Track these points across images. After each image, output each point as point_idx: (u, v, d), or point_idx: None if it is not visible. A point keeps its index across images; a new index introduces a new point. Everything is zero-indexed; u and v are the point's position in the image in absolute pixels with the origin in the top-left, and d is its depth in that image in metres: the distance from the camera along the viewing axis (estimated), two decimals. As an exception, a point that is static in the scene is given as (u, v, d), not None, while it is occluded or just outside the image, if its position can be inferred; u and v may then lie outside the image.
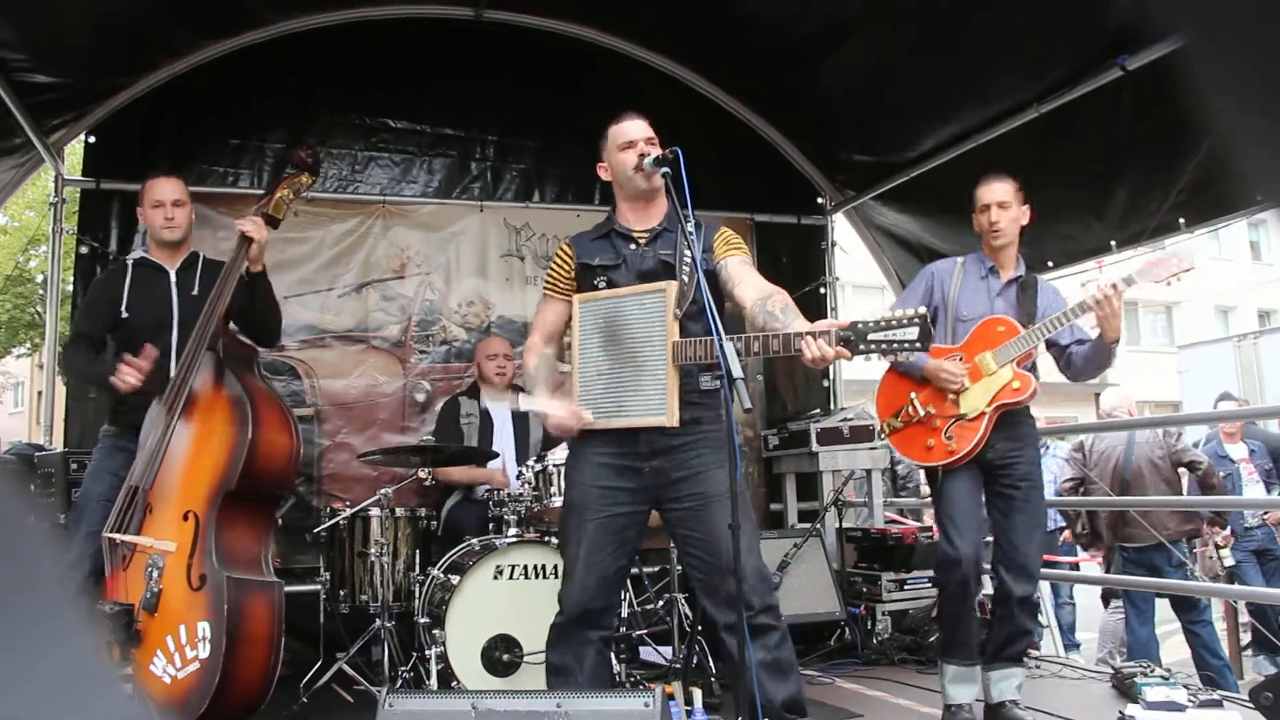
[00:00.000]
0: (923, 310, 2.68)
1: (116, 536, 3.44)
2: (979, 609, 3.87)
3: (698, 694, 2.74)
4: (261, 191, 5.51)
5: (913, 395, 3.78)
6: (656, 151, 3.08)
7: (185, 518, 3.44)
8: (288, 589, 5.17)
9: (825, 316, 6.52)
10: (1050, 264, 5.37)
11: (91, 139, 5.36)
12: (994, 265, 3.82)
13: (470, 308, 5.91)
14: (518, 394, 5.05)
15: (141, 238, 5.26)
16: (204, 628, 3.30)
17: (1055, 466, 7.45)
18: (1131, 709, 3.74)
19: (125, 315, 3.80)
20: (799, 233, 6.63)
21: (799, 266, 6.51)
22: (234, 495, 3.47)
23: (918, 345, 2.63)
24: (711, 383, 3.05)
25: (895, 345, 2.65)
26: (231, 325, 3.85)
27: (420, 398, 5.73)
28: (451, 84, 5.91)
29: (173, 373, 3.62)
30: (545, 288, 3.34)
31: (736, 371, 2.65)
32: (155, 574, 3.36)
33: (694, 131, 6.01)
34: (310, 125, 5.74)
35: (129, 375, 3.54)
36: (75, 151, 5.92)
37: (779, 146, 6.50)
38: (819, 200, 6.68)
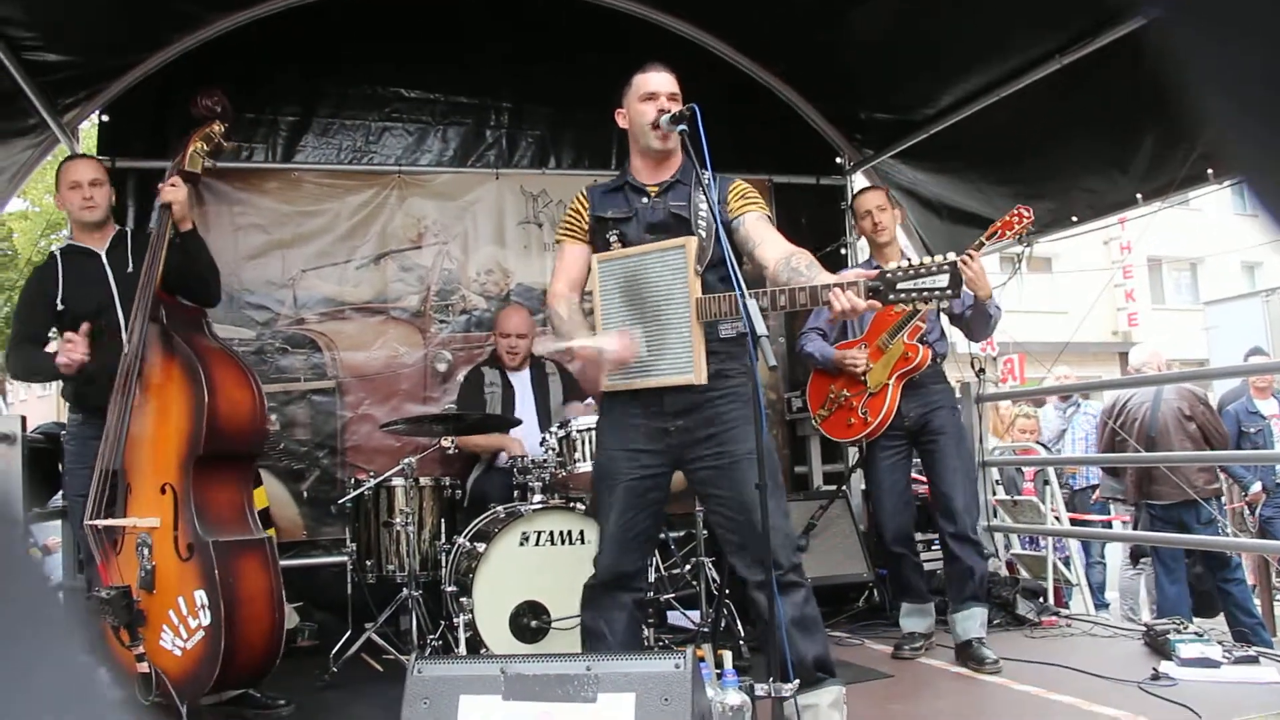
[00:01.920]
0: (952, 257, 2.65)
1: (99, 523, 3.46)
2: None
3: (728, 656, 2.72)
4: (277, 165, 5.58)
5: (831, 386, 4.42)
6: (677, 108, 3.01)
7: (163, 491, 3.47)
8: (315, 561, 5.30)
9: (846, 278, 6.52)
10: (1075, 219, 5.30)
11: (105, 117, 5.33)
12: (878, 264, 4.22)
13: (489, 276, 5.88)
14: (540, 365, 5.06)
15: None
16: (200, 595, 3.33)
17: (1086, 424, 7.40)
18: (1165, 666, 3.72)
19: (61, 308, 3.78)
20: (818, 193, 6.56)
21: (818, 227, 6.44)
22: (204, 459, 3.48)
23: (948, 292, 2.61)
24: (730, 330, 3.01)
25: (925, 294, 2.62)
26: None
27: (441, 367, 5.71)
28: (464, 52, 5.85)
29: (123, 351, 3.62)
30: (560, 232, 3.28)
31: (761, 329, 2.61)
32: (146, 552, 3.39)
33: (711, 94, 5.95)
34: (323, 97, 5.70)
35: (71, 351, 3.57)
36: (91, 133, 5.91)
37: (796, 106, 6.42)
38: (837, 160, 6.60)
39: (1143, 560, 6.46)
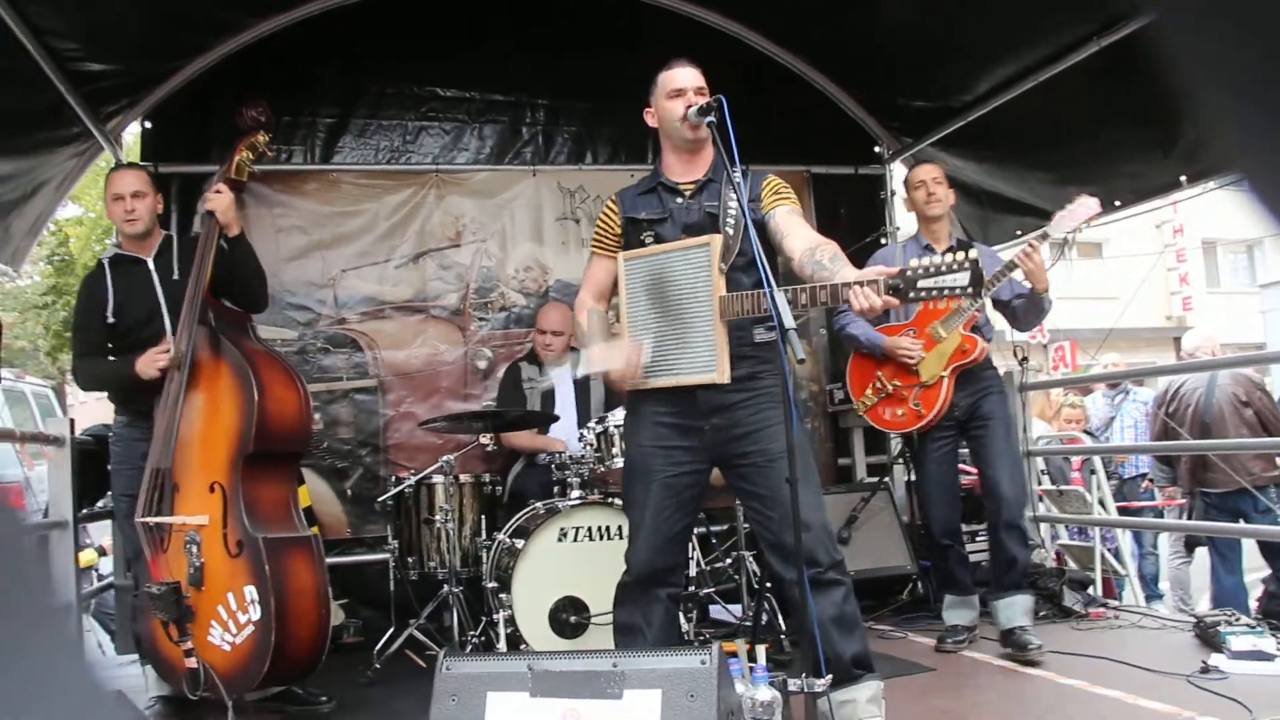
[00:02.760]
0: (974, 254, 2.61)
1: (150, 520, 3.52)
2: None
3: (761, 651, 2.71)
4: (316, 166, 5.64)
5: (878, 373, 4.27)
6: (704, 102, 3.01)
7: (212, 489, 3.53)
8: (359, 558, 5.35)
9: (887, 268, 6.46)
10: (1117, 204, 5.19)
11: (147, 124, 5.41)
12: (929, 243, 4.26)
13: (528, 273, 5.90)
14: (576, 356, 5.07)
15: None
16: (250, 591, 3.38)
17: (1135, 412, 7.27)
18: (1216, 658, 3.64)
19: (112, 320, 3.84)
20: (857, 183, 6.50)
21: (858, 217, 6.38)
22: (253, 458, 3.55)
23: (969, 290, 2.58)
24: (767, 335, 3.00)
25: (945, 291, 2.59)
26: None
27: (482, 365, 5.75)
28: (499, 50, 5.86)
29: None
30: (592, 245, 3.32)
31: (789, 322, 2.59)
32: (195, 549, 3.45)
33: (747, 86, 6.00)
34: (360, 98, 5.75)
35: (159, 359, 3.64)
36: (135, 140, 6.00)
37: (834, 97, 6.37)
38: (876, 149, 6.53)
39: (1196, 548, 6.33)
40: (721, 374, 2.89)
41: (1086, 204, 3.97)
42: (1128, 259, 18.42)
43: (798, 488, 2.68)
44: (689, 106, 3.02)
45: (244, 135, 3.97)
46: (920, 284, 2.62)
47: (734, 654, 2.76)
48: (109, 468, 4.05)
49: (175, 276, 3.85)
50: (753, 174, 3.13)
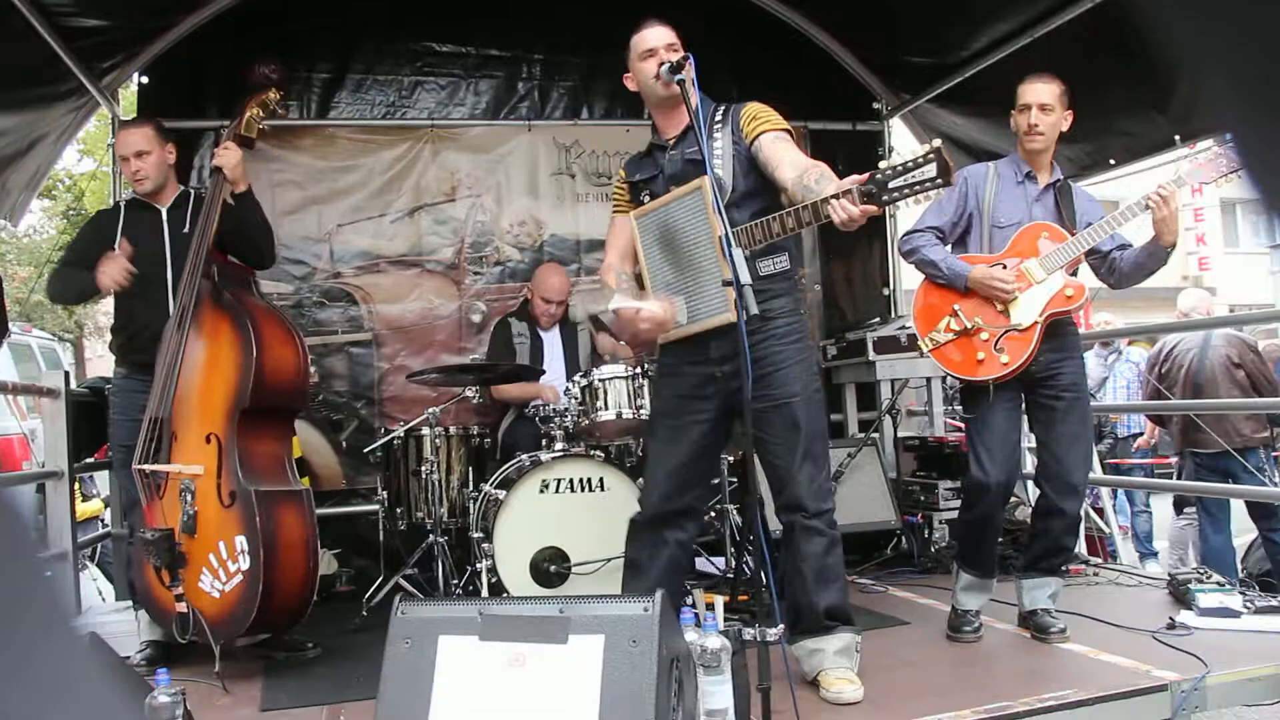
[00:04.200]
0: (937, 144, 2.61)
1: (146, 468, 3.60)
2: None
3: (719, 601, 2.79)
4: (312, 122, 5.67)
5: (956, 307, 3.62)
6: (676, 57, 3.06)
7: (208, 440, 3.59)
8: (353, 509, 5.44)
9: (886, 225, 6.46)
10: (1112, 162, 5.18)
11: (144, 79, 5.44)
12: (1030, 170, 3.67)
13: (522, 228, 5.93)
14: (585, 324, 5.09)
15: (196, 173, 5.40)
16: (241, 541, 3.46)
17: (1128, 372, 7.27)
18: (1184, 615, 3.69)
19: (117, 251, 3.84)
20: (855, 139, 6.47)
21: (855, 173, 6.33)
22: (249, 412, 3.61)
23: (939, 181, 2.59)
24: (770, 265, 3.08)
25: (918, 187, 2.61)
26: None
27: (476, 319, 5.80)
28: (495, 5, 5.85)
29: (170, 310, 3.75)
30: (614, 209, 3.44)
31: (745, 277, 2.64)
32: (189, 497, 3.51)
33: (746, 41, 6.00)
34: (356, 54, 5.76)
35: (112, 270, 3.67)
36: (132, 95, 6.03)
37: (832, 51, 6.33)
38: (874, 105, 6.50)
39: (1187, 509, 6.36)
40: (734, 313, 2.91)
41: (1230, 157, 3.29)
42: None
43: (798, 437, 2.87)
44: (661, 64, 3.07)
45: (255, 92, 3.97)
46: (892, 185, 2.63)
47: (710, 605, 2.84)
48: (109, 418, 4.13)
49: (185, 230, 3.88)
50: (733, 108, 3.19)
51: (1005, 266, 3.56)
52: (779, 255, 3.09)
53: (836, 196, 2.67)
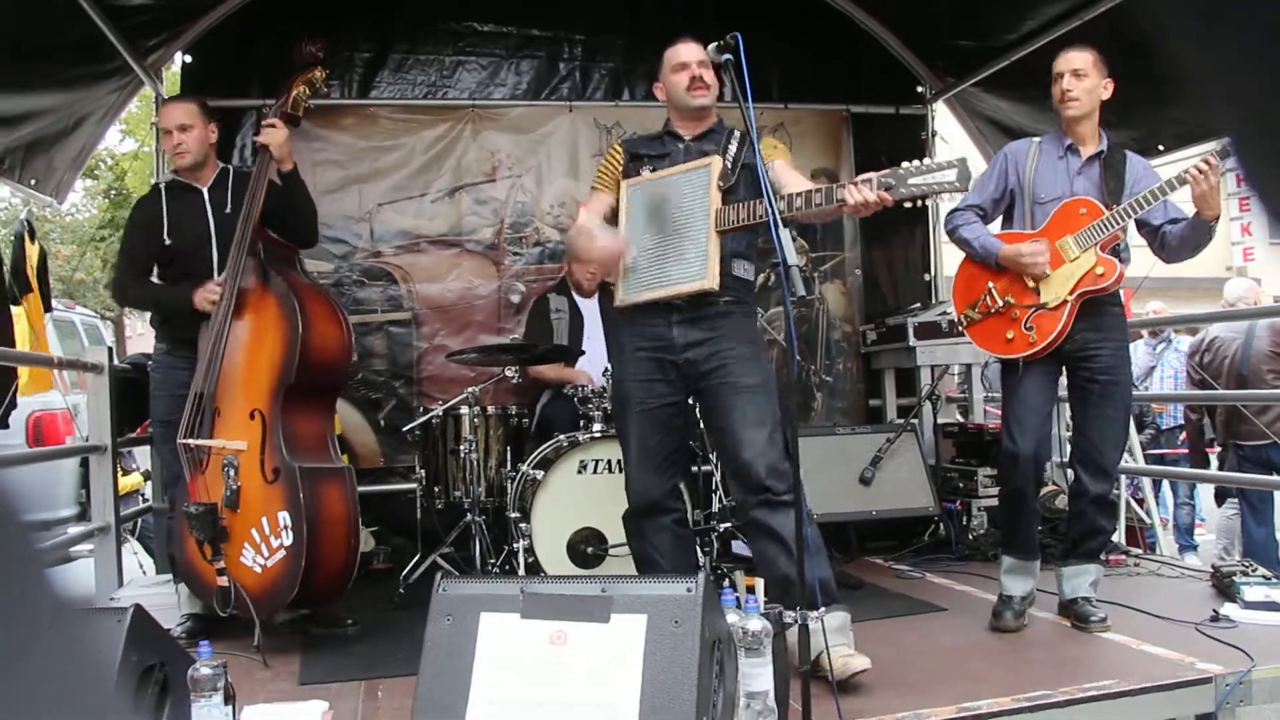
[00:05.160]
0: (962, 156, 2.74)
1: (191, 442, 3.62)
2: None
3: (759, 584, 2.77)
4: (354, 101, 5.69)
5: (990, 285, 3.63)
6: (709, 75, 3.24)
7: (252, 416, 3.62)
8: (391, 487, 5.47)
9: (929, 210, 6.39)
10: (1162, 148, 5.09)
11: (188, 58, 5.47)
12: (1072, 143, 3.61)
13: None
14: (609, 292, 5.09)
15: (238, 152, 5.43)
16: (284, 517, 3.48)
17: (1176, 362, 7.17)
18: (1228, 608, 3.64)
19: (169, 242, 3.89)
20: (898, 123, 6.40)
21: (898, 158, 5.97)
22: (294, 389, 3.63)
23: (956, 185, 2.71)
24: (745, 271, 3.19)
25: (935, 187, 2.74)
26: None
27: (515, 299, 5.81)
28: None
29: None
30: (594, 183, 3.47)
31: (792, 259, 2.63)
32: (232, 472, 3.54)
33: (788, 23, 5.95)
34: (398, 33, 5.77)
35: (206, 294, 3.72)
36: (175, 74, 6.08)
37: (876, 34, 6.26)
38: (918, 89, 6.42)
39: (1230, 500, 6.27)
40: (711, 278, 3.02)
41: None
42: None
43: (756, 425, 2.93)
44: (694, 79, 3.23)
45: (301, 71, 3.97)
46: (911, 180, 2.77)
47: (751, 589, 2.82)
48: (150, 393, 4.17)
49: (227, 209, 3.89)
50: (751, 137, 3.24)
51: (1040, 243, 3.52)
52: (748, 262, 3.24)
53: (854, 182, 2.82)
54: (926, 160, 2.73)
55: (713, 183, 3.05)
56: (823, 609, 2.84)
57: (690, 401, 3.37)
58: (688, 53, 3.27)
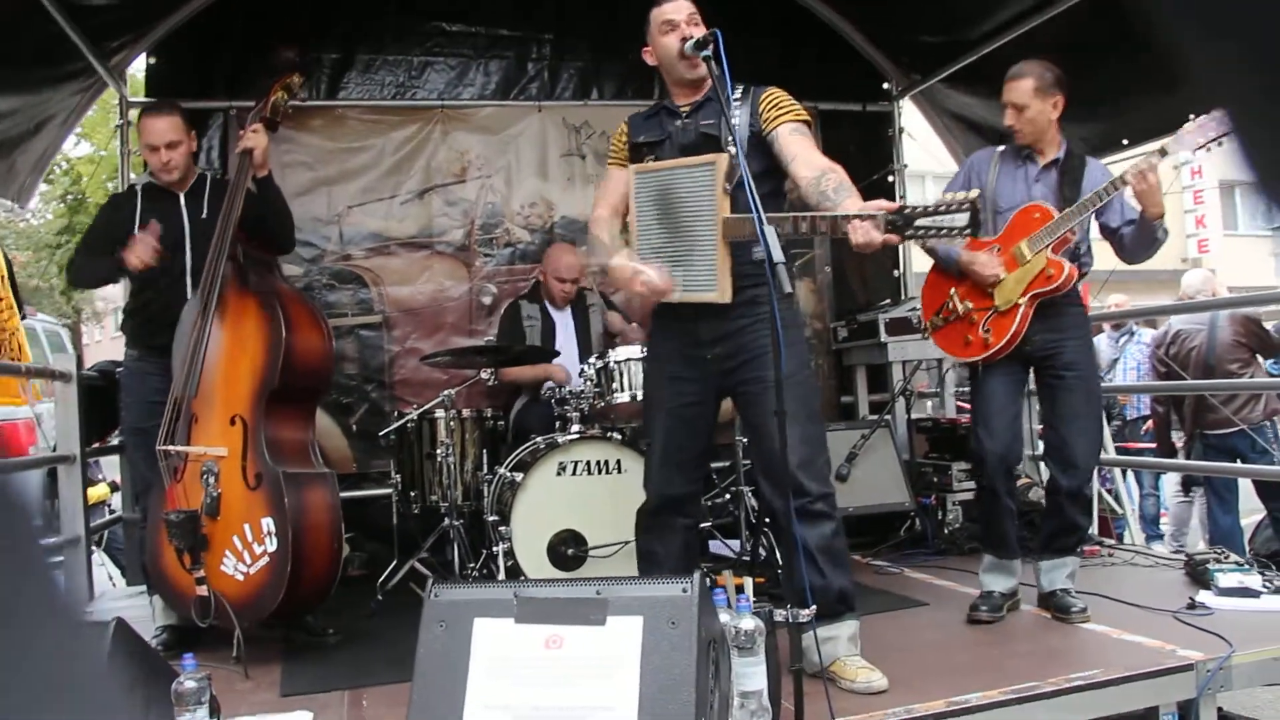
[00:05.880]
0: (975, 193, 2.62)
1: (172, 449, 3.57)
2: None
3: (748, 583, 2.76)
4: (322, 103, 5.63)
5: (952, 291, 3.74)
6: (700, 31, 3.03)
7: (233, 422, 3.57)
8: (365, 493, 5.42)
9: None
10: (1125, 141, 5.15)
11: (152, 60, 5.38)
12: (1029, 151, 3.70)
13: (533, 209, 5.90)
14: (582, 298, 5.07)
15: (204, 155, 5.34)
16: (268, 523, 3.44)
17: (1139, 354, 7.26)
18: (1203, 595, 3.70)
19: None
20: (865, 120, 6.44)
21: (865, 155, 6.32)
22: (276, 395, 3.59)
23: (966, 230, 2.59)
24: (762, 252, 3.01)
25: (943, 231, 2.61)
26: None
27: (486, 300, 5.77)
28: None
29: (188, 294, 3.73)
30: (608, 161, 3.36)
31: (777, 255, 2.61)
32: (211, 480, 3.49)
33: (754, 20, 5.94)
34: (365, 34, 5.72)
35: (140, 249, 3.60)
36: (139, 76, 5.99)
37: (841, 31, 6.29)
38: (884, 86, 6.47)
39: (1193, 488, 6.37)
40: (723, 294, 2.91)
41: (1219, 122, 3.31)
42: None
43: (788, 419, 2.69)
44: (684, 40, 3.03)
45: (279, 75, 3.93)
46: (918, 222, 2.64)
47: (740, 588, 2.81)
48: (120, 401, 4.10)
49: (204, 215, 3.84)
50: (754, 90, 3.15)
51: (998, 249, 3.63)
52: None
53: (860, 217, 2.66)
54: (940, 199, 2.62)
55: (718, 185, 2.91)
56: (836, 617, 2.93)
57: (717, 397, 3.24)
58: (675, 9, 3.08)
